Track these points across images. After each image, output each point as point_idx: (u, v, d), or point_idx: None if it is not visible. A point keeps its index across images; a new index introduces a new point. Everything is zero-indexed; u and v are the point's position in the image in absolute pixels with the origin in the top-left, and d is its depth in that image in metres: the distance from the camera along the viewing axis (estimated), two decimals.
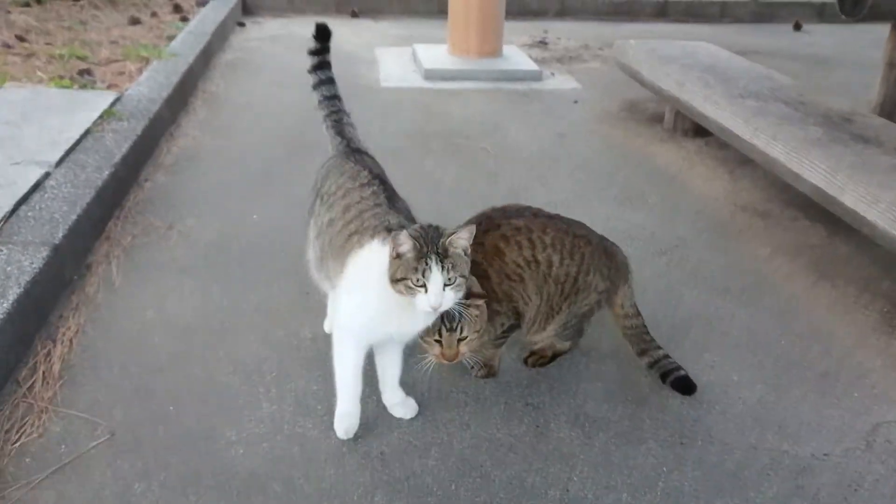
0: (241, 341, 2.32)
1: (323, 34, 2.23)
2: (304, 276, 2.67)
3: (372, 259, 1.74)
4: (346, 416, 1.94)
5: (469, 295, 1.78)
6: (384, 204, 1.89)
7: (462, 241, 1.70)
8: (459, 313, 1.78)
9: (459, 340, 1.85)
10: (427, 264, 1.64)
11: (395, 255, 1.68)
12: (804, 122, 3.14)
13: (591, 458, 1.93)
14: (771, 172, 3.48)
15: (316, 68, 2.26)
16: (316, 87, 2.26)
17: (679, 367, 2.18)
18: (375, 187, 1.95)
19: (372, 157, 2.13)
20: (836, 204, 2.71)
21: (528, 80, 5.28)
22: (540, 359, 2.26)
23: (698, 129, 4.22)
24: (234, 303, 2.52)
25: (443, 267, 1.65)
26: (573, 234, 2.12)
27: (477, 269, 1.90)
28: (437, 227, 1.72)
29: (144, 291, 2.56)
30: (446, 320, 1.82)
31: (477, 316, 1.85)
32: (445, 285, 1.66)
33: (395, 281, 1.68)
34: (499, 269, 2.03)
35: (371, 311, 1.80)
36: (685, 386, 2.17)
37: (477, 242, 1.84)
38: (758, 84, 3.72)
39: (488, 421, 2.04)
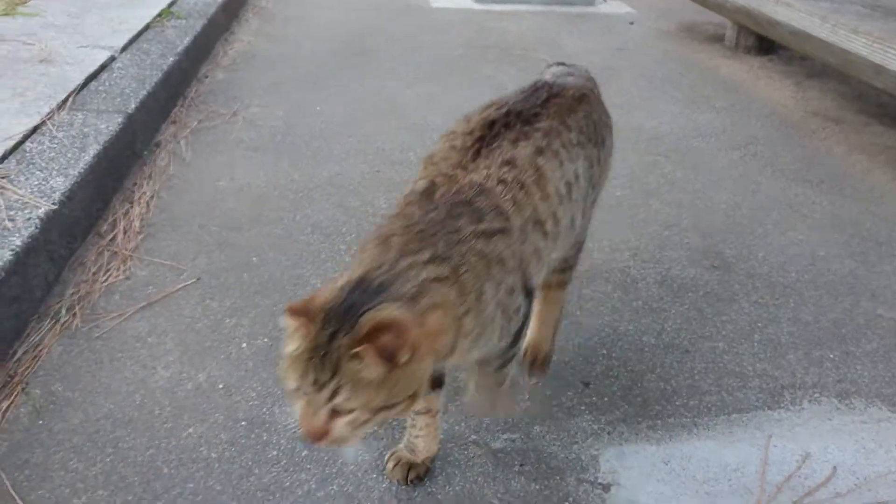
0: (316, 207, 2.30)
1: None
2: (374, 156, 2.67)
3: None
4: None
5: (374, 329, 0.95)
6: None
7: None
8: (337, 362, 0.96)
9: (335, 411, 0.99)
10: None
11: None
12: (886, 17, 3.02)
13: (682, 312, 1.90)
14: (846, 76, 3.38)
15: None
16: None
17: None
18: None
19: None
20: None
21: (580, 4, 5.15)
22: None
23: (761, 47, 4.10)
24: (306, 176, 2.49)
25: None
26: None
27: (495, 220, 1.19)
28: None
29: (215, 164, 2.54)
30: (316, 368, 0.97)
31: (372, 382, 0.97)
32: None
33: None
34: (532, 203, 1.26)
35: None
36: None
37: (504, 162, 1.25)
38: None
39: (576, 278, 2.00)
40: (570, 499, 1.37)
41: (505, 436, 1.50)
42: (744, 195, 2.51)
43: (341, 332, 0.96)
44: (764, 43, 4.06)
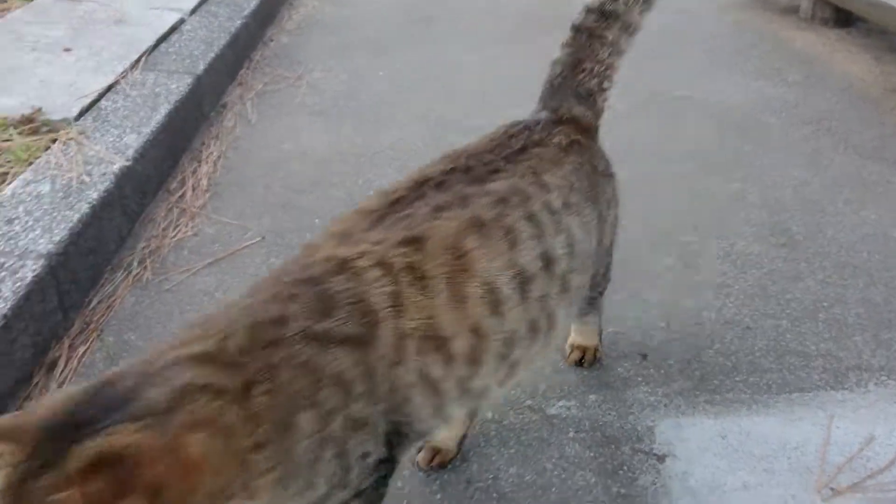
0: (377, 172, 2.32)
1: None
2: (435, 123, 2.67)
3: None
4: None
5: (94, 465, 0.65)
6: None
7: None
8: None
9: None
10: None
11: None
12: None
13: (745, 289, 1.86)
14: None
15: None
16: None
17: None
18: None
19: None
20: None
21: None
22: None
23: (839, 19, 3.92)
24: (368, 141, 2.52)
25: None
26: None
27: (349, 319, 0.83)
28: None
29: (279, 127, 2.58)
30: None
31: None
32: None
33: None
34: (430, 308, 0.88)
35: None
36: None
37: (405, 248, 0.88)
38: None
39: (637, 252, 1.98)
40: (625, 467, 1.38)
41: (560, 402, 1.51)
42: (815, 171, 2.43)
43: (52, 467, 0.64)
44: (841, 15, 3.89)
